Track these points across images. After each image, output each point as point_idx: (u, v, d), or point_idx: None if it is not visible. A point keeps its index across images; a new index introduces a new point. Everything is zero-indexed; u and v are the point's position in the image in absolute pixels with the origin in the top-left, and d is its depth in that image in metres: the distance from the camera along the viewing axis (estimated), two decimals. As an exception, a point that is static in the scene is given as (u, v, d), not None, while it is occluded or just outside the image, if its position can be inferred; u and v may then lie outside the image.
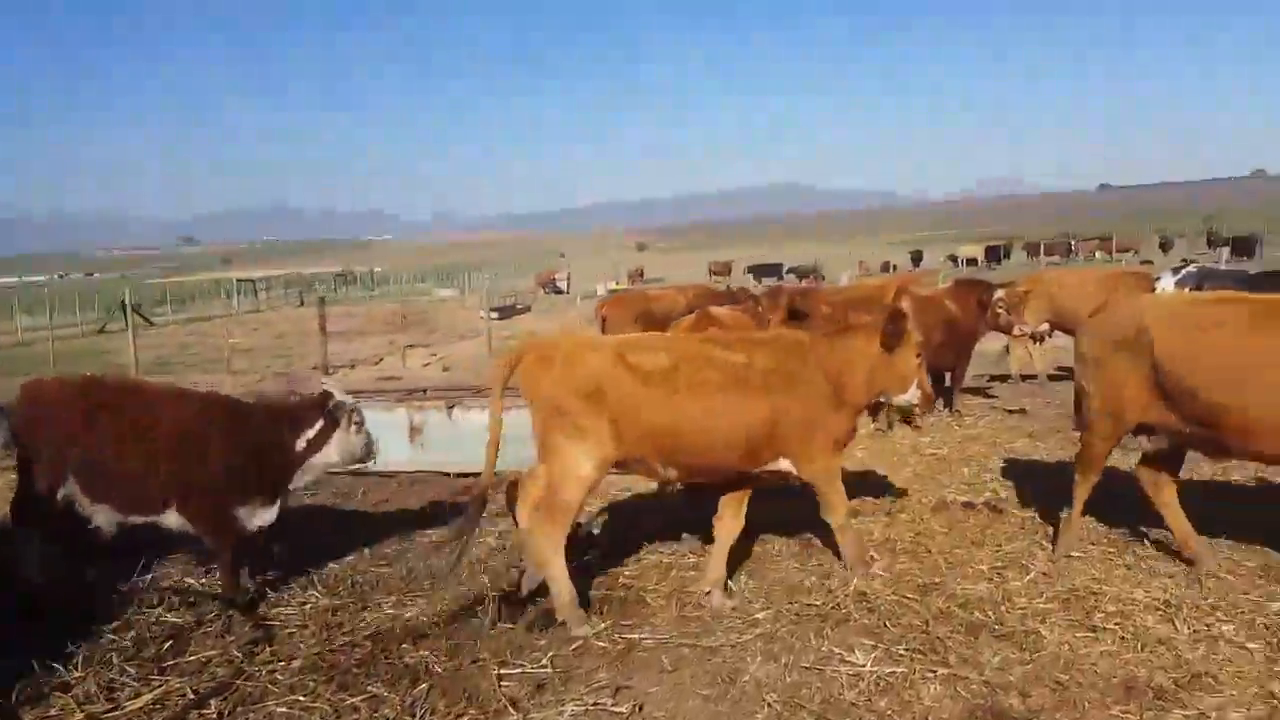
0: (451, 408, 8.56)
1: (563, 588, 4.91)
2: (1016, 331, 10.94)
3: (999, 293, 10.75)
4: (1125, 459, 7.70)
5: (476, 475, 8.14)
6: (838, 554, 5.58)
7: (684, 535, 6.21)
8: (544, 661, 4.55)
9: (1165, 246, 53.81)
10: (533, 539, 4.95)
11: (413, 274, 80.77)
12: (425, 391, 9.72)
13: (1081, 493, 5.70)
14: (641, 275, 56.09)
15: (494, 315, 33.09)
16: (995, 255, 53.93)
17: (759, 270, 53.36)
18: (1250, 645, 4.40)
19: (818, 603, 5.04)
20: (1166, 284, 10.16)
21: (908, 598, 5.04)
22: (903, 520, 6.51)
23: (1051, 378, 12.70)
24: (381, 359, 21.32)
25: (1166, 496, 5.59)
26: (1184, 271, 10.27)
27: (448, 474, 8.45)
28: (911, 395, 5.42)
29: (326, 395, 5.60)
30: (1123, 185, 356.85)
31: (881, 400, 5.72)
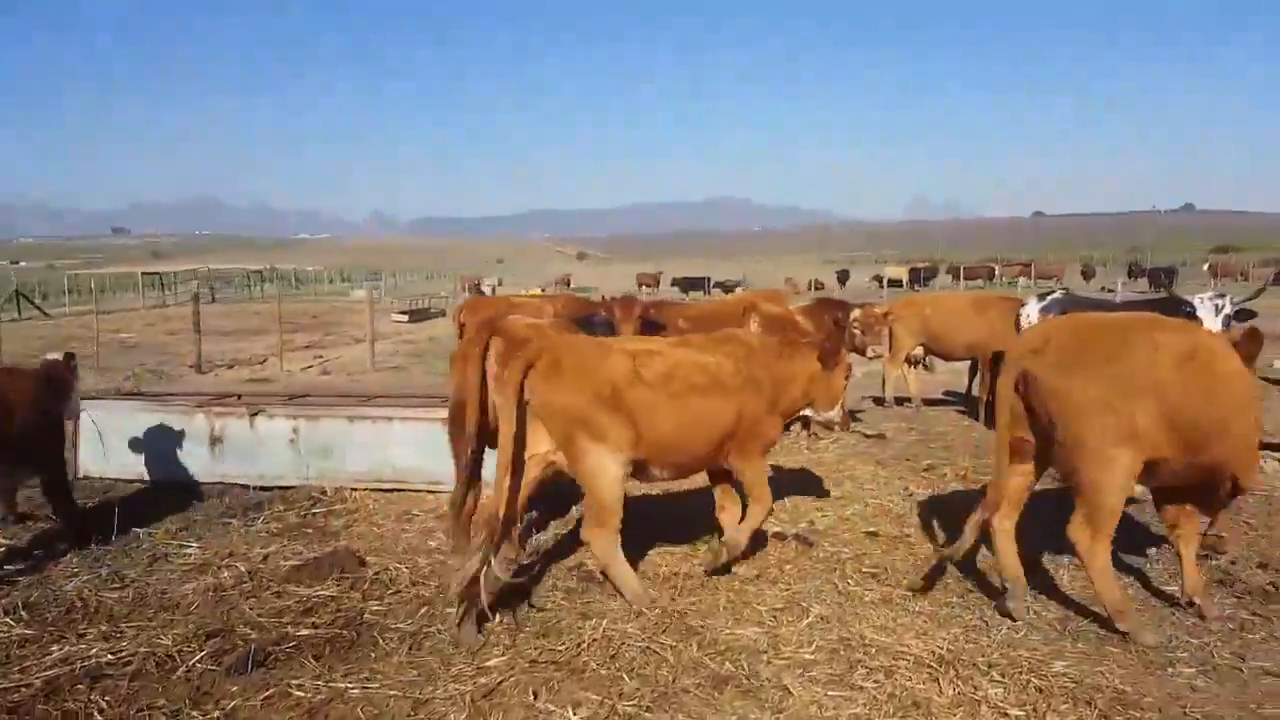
0: (254, 415, 7.85)
1: (627, 583, 5.07)
2: (870, 353, 10.70)
3: (855, 313, 10.48)
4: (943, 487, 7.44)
5: (279, 488, 7.64)
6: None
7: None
8: (217, 713, 3.94)
9: (1087, 274, 55.02)
10: (592, 548, 5.13)
11: (339, 273, 78.87)
12: (239, 397, 8.97)
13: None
14: (569, 284, 55.48)
15: (404, 318, 32.20)
16: (919, 277, 54.63)
17: (685, 283, 53.31)
18: (1013, 712, 3.98)
19: (560, 648, 4.50)
20: (1031, 311, 9.96)
21: (659, 644, 4.54)
22: (704, 551, 6.03)
23: (929, 403, 12.49)
24: (266, 359, 20.31)
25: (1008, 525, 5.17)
26: (1049, 299, 10.07)
27: (247, 486, 7.74)
28: (835, 414, 5.95)
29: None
30: (1056, 214, 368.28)
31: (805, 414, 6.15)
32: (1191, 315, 8.39)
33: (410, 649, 4.58)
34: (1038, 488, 5.31)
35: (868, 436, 9.96)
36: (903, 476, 8.08)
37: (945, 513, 6.92)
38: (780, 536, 6.34)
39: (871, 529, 6.58)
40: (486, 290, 52.45)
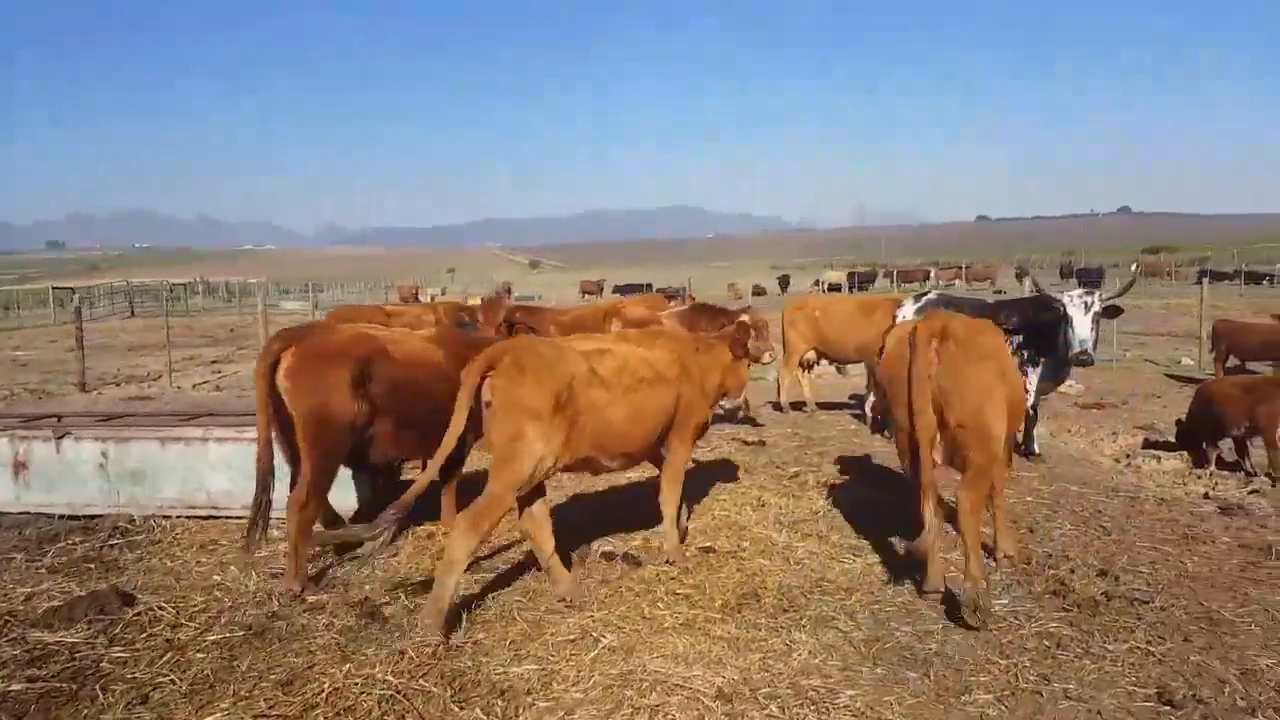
0: (61, 439, 7.23)
1: (441, 600, 4.69)
2: (766, 359, 10.39)
3: (744, 318, 10.12)
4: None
5: (86, 518, 7.03)
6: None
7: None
8: None
9: (1020, 276, 55.85)
10: (452, 543, 4.75)
11: (279, 286, 77.15)
12: (59, 418, 8.30)
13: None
14: (509, 291, 54.83)
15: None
16: (857, 281, 54.98)
17: (627, 290, 53.10)
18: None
19: (292, 700, 4.01)
20: (907, 311, 9.75)
21: (413, 688, 4.08)
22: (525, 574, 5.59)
23: (824, 406, 12.23)
24: (160, 376, 19.43)
25: None
26: (925, 299, 9.87)
27: (53, 515, 7.12)
28: (739, 399, 6.88)
29: None
30: (999, 218, 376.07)
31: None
32: (1061, 313, 8.20)
33: (130, 704, 4.05)
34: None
35: (747, 444, 9.62)
36: (764, 485, 7.73)
37: (791, 524, 6.59)
38: (610, 557, 5.92)
39: (708, 544, 6.20)
40: (424, 299, 51.65)
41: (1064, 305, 8.17)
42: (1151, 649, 4.51)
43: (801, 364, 12.12)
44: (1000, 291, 48.35)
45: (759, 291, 53.57)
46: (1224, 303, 30.84)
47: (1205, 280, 24.16)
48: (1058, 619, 4.91)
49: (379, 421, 5.64)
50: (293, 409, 5.34)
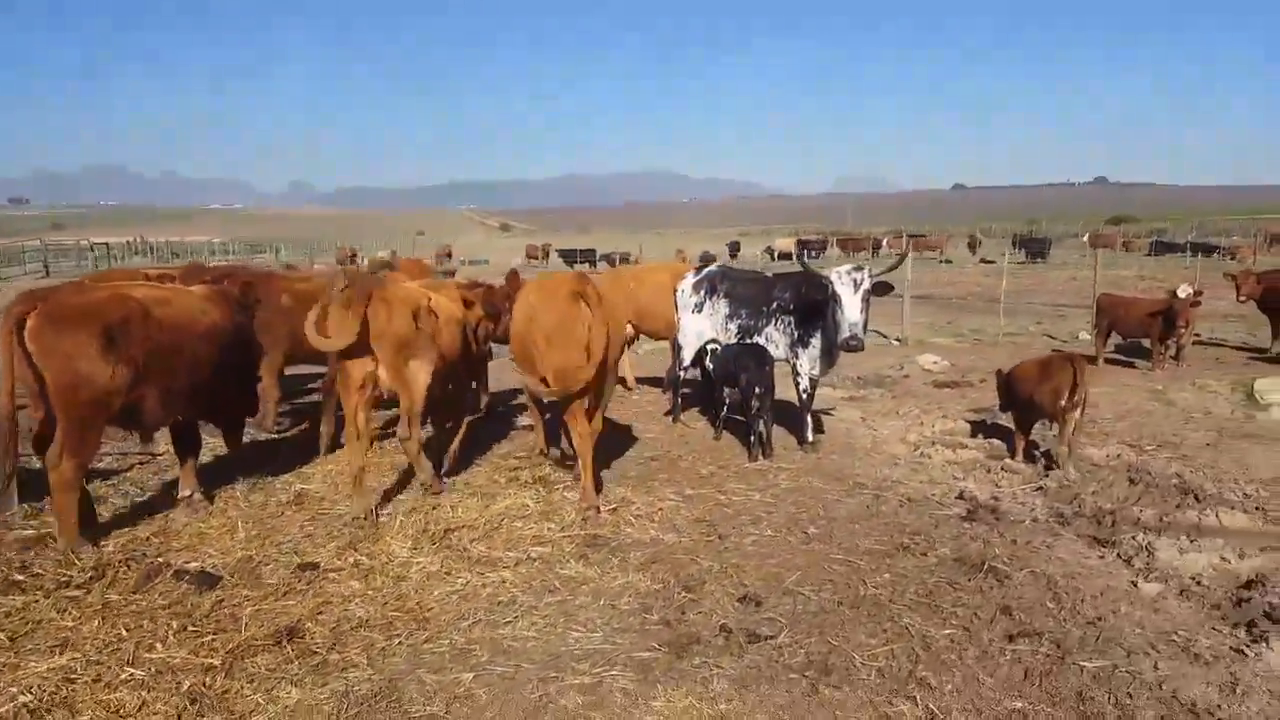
0: None
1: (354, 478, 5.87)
2: None
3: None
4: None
5: None
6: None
7: None
8: None
9: (973, 245, 55.22)
10: (411, 444, 6.14)
11: (223, 246, 75.23)
12: None
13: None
14: (450, 255, 53.52)
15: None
16: (807, 249, 54.01)
17: (568, 255, 52.00)
18: None
19: None
20: (686, 283, 8.89)
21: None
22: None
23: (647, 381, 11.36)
24: None
25: None
26: (704, 271, 9.01)
27: None
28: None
29: None
30: (975, 186, 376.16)
31: None
32: (828, 288, 7.34)
33: None
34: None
35: (529, 429, 8.72)
36: (493, 477, 6.87)
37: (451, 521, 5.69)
38: (180, 575, 4.99)
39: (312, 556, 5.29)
40: (361, 262, 50.29)
41: (832, 284, 7.32)
42: (710, 708, 3.66)
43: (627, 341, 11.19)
44: (948, 262, 47.70)
45: (706, 258, 52.49)
46: (1163, 274, 30.25)
47: (1099, 252, 23.39)
48: (640, 659, 4.04)
49: (142, 384, 5.36)
50: (42, 371, 5.04)
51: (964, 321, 19.58)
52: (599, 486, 6.43)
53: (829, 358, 7.88)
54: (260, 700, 3.68)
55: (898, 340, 16.44)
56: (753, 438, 7.63)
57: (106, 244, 49.24)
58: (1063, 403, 7.26)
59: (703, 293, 8.69)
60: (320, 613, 4.52)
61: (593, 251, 52.93)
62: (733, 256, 56.17)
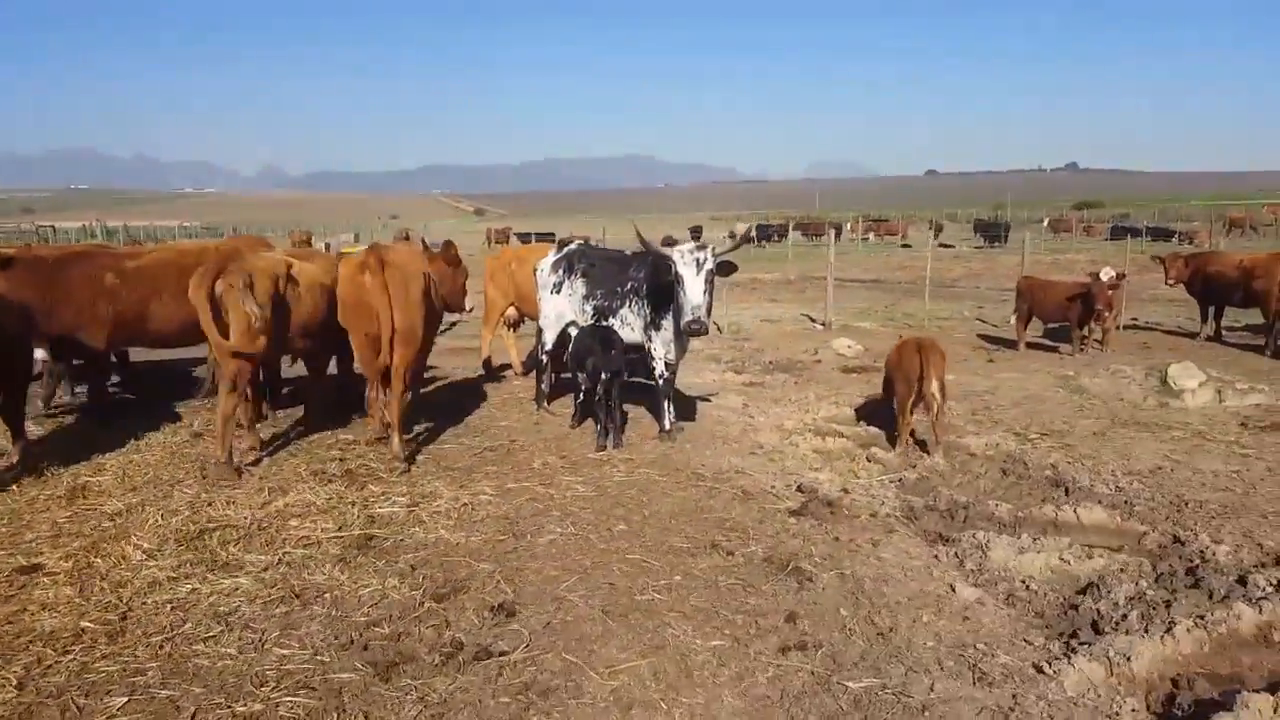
0: None
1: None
2: (466, 314, 9.03)
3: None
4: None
5: None
6: None
7: None
8: None
9: (936, 230, 55.07)
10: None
11: (184, 231, 73.64)
12: None
13: None
14: (406, 237, 52.66)
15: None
16: (766, 233, 53.58)
17: (525, 238, 51.36)
18: None
19: None
20: (545, 262, 8.37)
21: None
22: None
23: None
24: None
25: None
26: (565, 250, 8.48)
27: None
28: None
29: None
30: (948, 172, 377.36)
31: None
32: (670, 268, 6.87)
33: None
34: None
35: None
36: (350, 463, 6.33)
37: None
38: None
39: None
40: (319, 246, 49.40)
41: (675, 264, 6.84)
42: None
43: (507, 323, 10.66)
44: (907, 245, 47.39)
45: (669, 242, 51.95)
46: (1117, 258, 29.94)
47: (1027, 236, 23.07)
48: (336, 681, 3.53)
49: None
50: None
51: (901, 306, 19.20)
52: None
53: (681, 341, 7.39)
54: None
55: (821, 324, 16.02)
56: (598, 427, 7.13)
57: (52, 227, 47.98)
58: (912, 388, 6.88)
59: (561, 272, 8.17)
60: (9, 622, 3.98)
61: (551, 235, 52.27)
62: (695, 239, 55.60)
